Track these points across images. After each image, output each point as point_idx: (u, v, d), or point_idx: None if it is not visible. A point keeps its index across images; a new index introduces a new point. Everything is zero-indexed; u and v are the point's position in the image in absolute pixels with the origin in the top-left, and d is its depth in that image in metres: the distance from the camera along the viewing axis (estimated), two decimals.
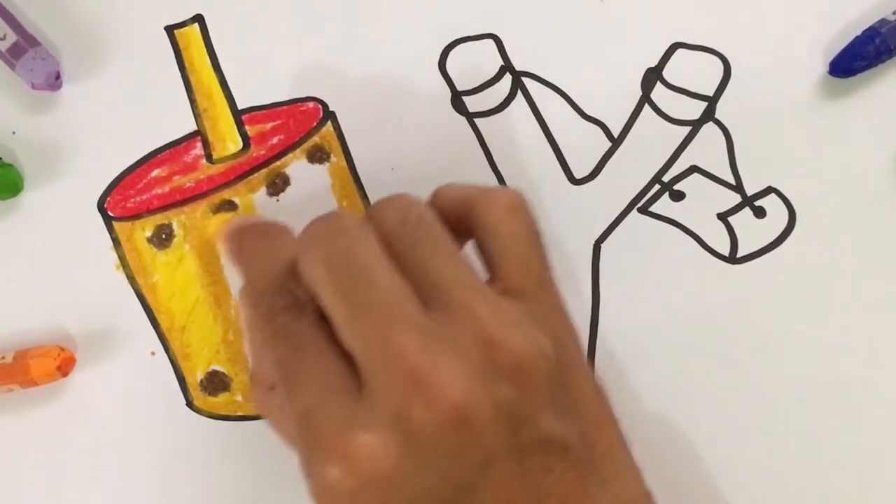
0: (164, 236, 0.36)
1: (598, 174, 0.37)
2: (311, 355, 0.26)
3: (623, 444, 0.28)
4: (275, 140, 0.36)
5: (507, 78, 0.37)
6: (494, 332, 0.24)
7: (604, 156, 0.37)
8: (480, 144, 0.37)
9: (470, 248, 0.29)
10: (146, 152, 0.36)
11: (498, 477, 0.24)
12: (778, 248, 0.36)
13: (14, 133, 0.36)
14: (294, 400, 0.26)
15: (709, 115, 0.37)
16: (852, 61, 0.36)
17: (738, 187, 0.37)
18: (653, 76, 0.37)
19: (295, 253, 0.27)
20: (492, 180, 0.37)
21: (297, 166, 0.36)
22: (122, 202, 0.36)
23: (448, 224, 0.28)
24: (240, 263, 0.29)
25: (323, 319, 0.26)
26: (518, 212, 0.28)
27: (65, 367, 0.35)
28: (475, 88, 0.37)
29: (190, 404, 0.36)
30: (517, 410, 0.24)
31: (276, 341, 0.27)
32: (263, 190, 0.36)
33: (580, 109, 0.37)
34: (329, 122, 0.37)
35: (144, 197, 0.36)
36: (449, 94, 0.37)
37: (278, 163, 0.36)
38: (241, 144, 0.36)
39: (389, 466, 0.24)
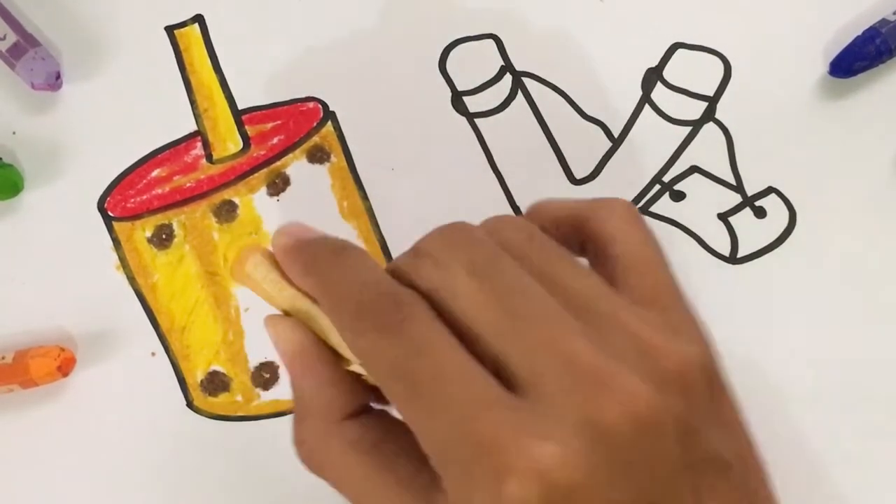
0: (164, 236, 0.36)
1: (598, 174, 0.37)
2: (444, 359, 0.23)
3: (765, 466, 0.26)
4: (275, 140, 0.36)
5: (508, 78, 0.37)
6: (653, 341, 0.23)
7: (604, 156, 0.37)
8: (480, 144, 0.37)
9: None
10: (146, 152, 0.36)
11: (677, 493, 0.22)
12: (778, 248, 0.36)
13: (14, 133, 0.36)
14: (431, 411, 0.22)
15: (709, 115, 0.37)
16: (852, 61, 0.36)
17: (738, 187, 0.37)
18: (653, 76, 0.37)
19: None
20: (492, 180, 0.37)
21: (297, 166, 0.36)
22: (122, 202, 0.36)
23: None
24: (318, 285, 0.26)
25: (439, 320, 0.24)
26: (637, 220, 0.27)
27: (65, 367, 0.35)
28: (475, 88, 0.37)
29: (190, 404, 0.36)
30: (688, 422, 0.23)
31: (386, 347, 0.23)
32: (263, 190, 0.36)
33: (580, 109, 0.37)
34: (329, 122, 0.37)
35: (144, 197, 0.36)
36: (449, 94, 0.37)
37: (278, 163, 0.36)
38: (241, 144, 0.36)
39: (582, 477, 0.21)
